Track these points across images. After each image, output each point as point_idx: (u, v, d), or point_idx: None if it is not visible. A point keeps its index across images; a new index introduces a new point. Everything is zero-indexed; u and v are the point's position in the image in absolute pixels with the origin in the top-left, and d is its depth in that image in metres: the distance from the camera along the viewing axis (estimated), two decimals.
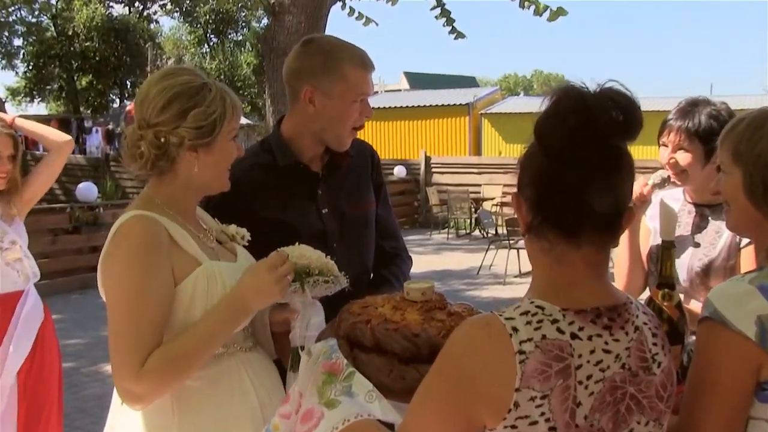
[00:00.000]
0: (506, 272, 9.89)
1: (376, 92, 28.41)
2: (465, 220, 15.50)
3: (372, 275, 2.22)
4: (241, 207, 1.92)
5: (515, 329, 1.08)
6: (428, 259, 12.10)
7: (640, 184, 2.17)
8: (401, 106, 22.69)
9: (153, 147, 1.61)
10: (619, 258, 2.31)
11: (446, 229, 15.13)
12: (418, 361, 1.39)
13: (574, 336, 1.09)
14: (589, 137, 1.09)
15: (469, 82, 40.60)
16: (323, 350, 1.42)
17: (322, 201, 2.08)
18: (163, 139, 1.61)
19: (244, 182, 1.89)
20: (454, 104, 22.42)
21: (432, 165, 16.68)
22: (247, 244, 1.86)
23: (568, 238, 1.12)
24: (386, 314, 1.47)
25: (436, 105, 22.45)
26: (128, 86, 32.87)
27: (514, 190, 1.19)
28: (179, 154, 1.63)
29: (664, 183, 2.22)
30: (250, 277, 1.62)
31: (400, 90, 35.77)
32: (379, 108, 22.41)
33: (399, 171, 16.35)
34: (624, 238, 2.24)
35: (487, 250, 10.74)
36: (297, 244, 1.76)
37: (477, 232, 14.99)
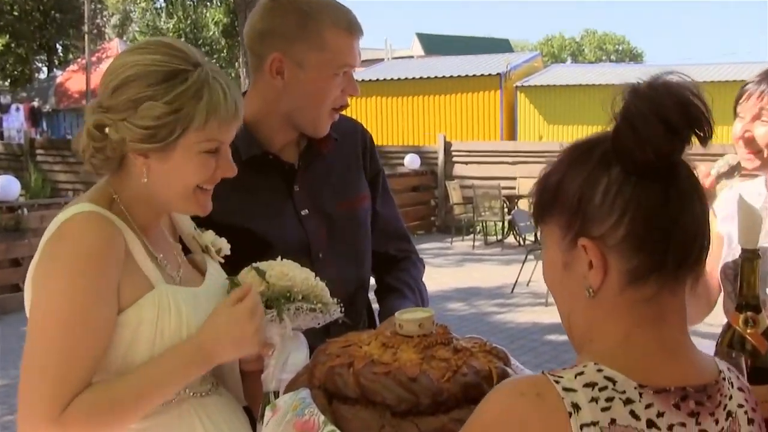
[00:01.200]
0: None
1: (381, 60, 28.34)
2: (496, 224, 15.50)
3: (376, 286, 2.25)
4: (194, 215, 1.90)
5: (576, 407, 1.04)
6: (449, 273, 12.10)
7: (701, 174, 2.14)
8: (413, 78, 22.72)
9: (90, 137, 1.61)
10: None
11: (472, 235, 15.14)
12: (417, 414, 1.38)
13: (651, 424, 1.06)
14: (689, 137, 1.09)
15: (501, 46, 40.62)
16: (293, 404, 1.41)
17: (299, 200, 2.09)
18: (106, 130, 1.59)
19: None
20: (482, 75, 22.42)
21: (453, 153, 16.70)
22: (222, 260, 1.86)
23: (673, 287, 1.12)
24: (373, 354, 1.46)
25: (458, 76, 22.46)
26: (58, 51, 32.63)
27: (568, 236, 1.14)
28: (125, 154, 1.62)
29: (733, 171, 2.17)
30: (225, 321, 1.64)
31: (412, 57, 35.81)
32: (384, 80, 22.49)
33: (411, 161, 16.38)
34: None
35: (524, 262, 10.73)
36: (279, 259, 1.77)
37: (511, 239, 14.99)
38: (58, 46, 32.42)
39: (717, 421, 1.12)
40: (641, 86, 1.10)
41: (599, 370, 1.08)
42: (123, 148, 1.60)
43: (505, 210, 14.85)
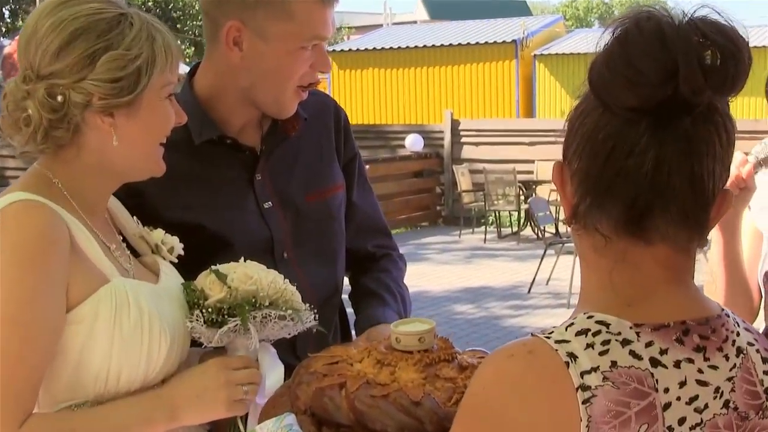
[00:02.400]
0: (572, 289, 9.85)
1: (379, 26, 28.08)
2: (510, 214, 15.54)
3: (351, 289, 2.23)
4: (137, 208, 1.89)
5: (573, 356, 1.10)
6: (456, 270, 12.13)
7: (736, 162, 2.11)
8: (416, 46, 22.67)
9: (45, 109, 1.59)
10: (712, 273, 2.27)
11: (483, 227, 15.17)
12: None
13: (655, 362, 1.12)
14: (666, 91, 1.10)
15: (517, 8, 40.59)
16: None
17: (262, 191, 2.06)
18: (60, 98, 1.59)
19: None
20: (494, 42, 22.38)
21: (461, 132, 16.71)
22: (176, 259, 1.86)
23: (631, 231, 1.15)
24: (368, 373, 1.46)
25: (467, 44, 22.42)
26: (5, 17, 32.55)
27: (558, 158, 1.22)
28: (85, 119, 1.62)
29: None
30: (191, 372, 1.68)
31: (415, 22, 35.80)
32: (382, 49, 22.42)
33: (413, 142, 16.33)
34: (717, 244, 2.21)
35: (542, 258, 10.76)
36: (243, 260, 1.77)
37: (528, 231, 15.00)
38: (5, 11, 32.37)
39: (727, 357, 1.16)
40: (639, 22, 1.12)
41: (589, 317, 1.14)
42: (85, 111, 1.61)
43: (522, 198, 14.85)
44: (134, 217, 1.87)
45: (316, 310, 1.77)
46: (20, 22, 32.09)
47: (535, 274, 10.72)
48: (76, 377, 1.61)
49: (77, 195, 1.67)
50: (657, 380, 1.10)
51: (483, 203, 15.19)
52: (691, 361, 1.13)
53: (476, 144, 16.48)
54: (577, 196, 1.18)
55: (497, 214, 15.43)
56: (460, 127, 16.79)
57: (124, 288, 1.64)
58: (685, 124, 1.12)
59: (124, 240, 1.83)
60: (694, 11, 1.14)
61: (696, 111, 1.12)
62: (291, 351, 1.92)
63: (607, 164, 1.14)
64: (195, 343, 1.76)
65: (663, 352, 1.12)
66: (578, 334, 1.12)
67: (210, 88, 2.03)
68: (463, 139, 16.66)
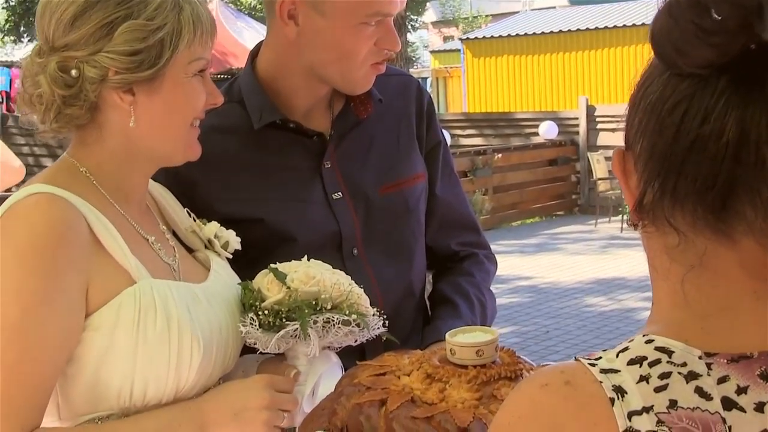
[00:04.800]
0: None
1: (515, 12, 27.87)
2: None
3: (427, 294, 2.07)
4: (188, 200, 1.79)
5: (620, 390, 0.93)
6: (590, 261, 12.02)
7: None
8: (552, 32, 22.44)
9: (58, 85, 1.51)
10: None
11: (620, 216, 14.88)
12: None
13: (729, 404, 0.93)
14: (748, 38, 0.91)
15: None
16: None
17: (330, 180, 1.92)
18: (74, 72, 1.51)
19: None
20: (634, 25, 21.89)
21: (597, 118, 16.53)
22: (231, 255, 1.77)
23: (711, 222, 0.96)
24: (414, 389, 1.35)
25: (606, 27, 22.05)
26: None
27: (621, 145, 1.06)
28: (102, 96, 1.53)
29: None
30: (231, 388, 1.57)
31: (554, 7, 35.36)
32: (516, 36, 22.25)
33: (548, 130, 16.35)
34: None
35: None
36: (306, 258, 1.66)
37: None
38: None
39: None
40: None
41: (648, 341, 0.97)
42: (102, 87, 1.52)
43: None
44: (186, 209, 1.77)
45: (386, 316, 1.66)
46: None
47: None
48: (95, 389, 1.51)
49: (107, 183, 1.58)
50: (730, 427, 0.91)
51: (620, 191, 14.90)
52: None
53: (613, 130, 16.25)
54: (643, 182, 0.99)
55: None
56: (595, 113, 16.66)
57: (151, 290, 1.52)
58: None
59: (175, 234, 1.73)
60: None
61: None
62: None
63: (678, 136, 0.95)
64: (253, 349, 1.65)
65: (741, 390, 0.93)
66: (631, 362, 0.94)
67: (271, 68, 1.92)
68: (599, 126, 16.51)
